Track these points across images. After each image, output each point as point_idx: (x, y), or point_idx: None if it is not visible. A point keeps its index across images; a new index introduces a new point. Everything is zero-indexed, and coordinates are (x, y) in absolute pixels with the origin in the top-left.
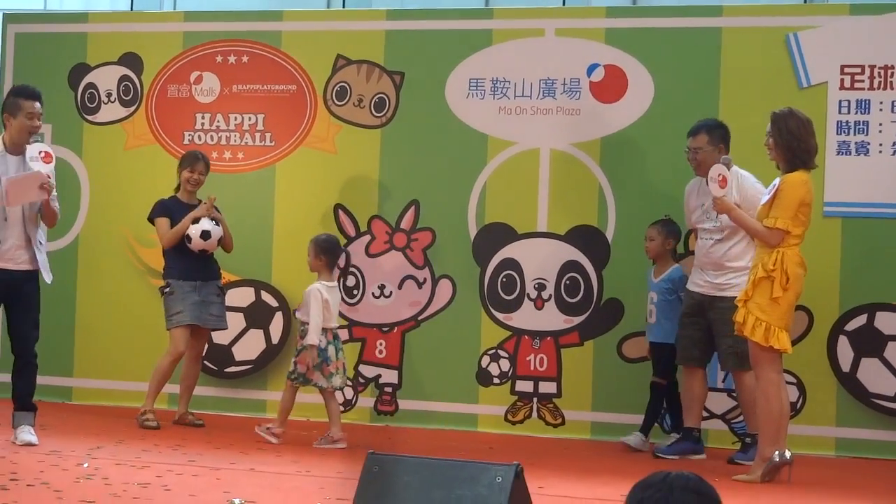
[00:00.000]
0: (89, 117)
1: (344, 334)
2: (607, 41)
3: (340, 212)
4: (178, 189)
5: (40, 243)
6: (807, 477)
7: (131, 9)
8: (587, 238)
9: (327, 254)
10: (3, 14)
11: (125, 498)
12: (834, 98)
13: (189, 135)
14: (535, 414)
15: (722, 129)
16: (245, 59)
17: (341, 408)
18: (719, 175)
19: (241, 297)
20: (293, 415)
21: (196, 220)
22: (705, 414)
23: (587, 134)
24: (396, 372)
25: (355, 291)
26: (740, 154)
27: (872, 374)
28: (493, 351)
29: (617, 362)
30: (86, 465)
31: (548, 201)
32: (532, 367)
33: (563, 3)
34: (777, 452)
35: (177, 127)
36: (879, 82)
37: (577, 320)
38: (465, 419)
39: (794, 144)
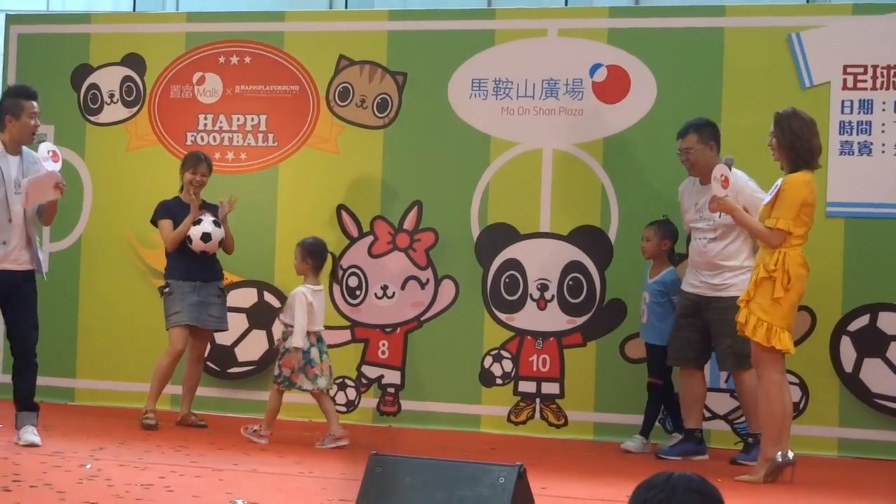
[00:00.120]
0: (92, 118)
1: (346, 335)
2: (610, 41)
3: (343, 212)
4: (182, 190)
5: (39, 242)
6: (809, 477)
7: (134, 10)
8: (590, 238)
9: (313, 257)
10: (6, 15)
11: (128, 499)
12: (837, 98)
13: (192, 136)
14: (537, 414)
15: (710, 127)
16: (247, 59)
17: (344, 408)
18: (722, 175)
19: (243, 297)
20: (295, 415)
21: (197, 222)
22: (707, 414)
23: (590, 134)
24: (399, 373)
25: (358, 292)
26: (743, 154)
27: (875, 375)
28: (496, 351)
29: (620, 363)
30: (88, 466)
31: (550, 202)
32: (535, 368)
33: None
34: (780, 453)
35: (179, 128)
36: (882, 82)
37: (580, 321)
38: (467, 420)
39: (797, 145)
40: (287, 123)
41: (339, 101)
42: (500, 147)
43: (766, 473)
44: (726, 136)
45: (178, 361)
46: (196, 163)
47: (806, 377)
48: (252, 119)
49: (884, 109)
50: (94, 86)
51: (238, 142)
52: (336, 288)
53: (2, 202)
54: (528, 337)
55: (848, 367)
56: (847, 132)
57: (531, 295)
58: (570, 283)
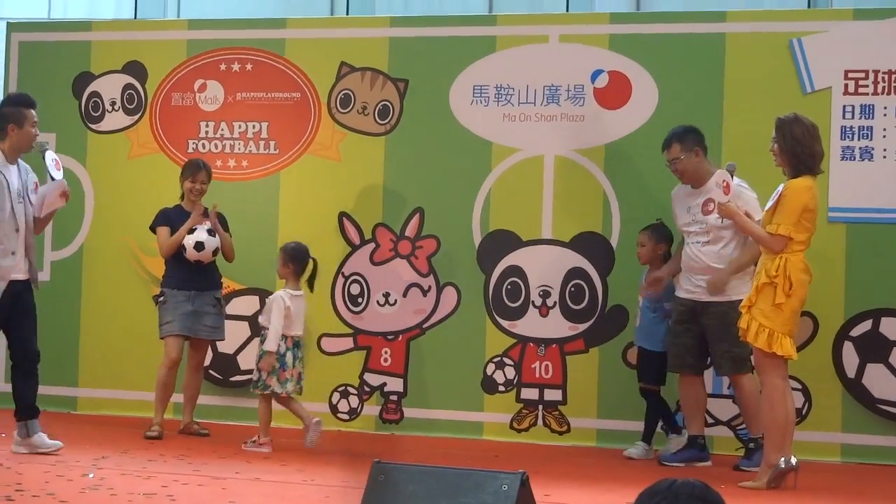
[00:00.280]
0: (93, 126)
1: (349, 342)
2: (611, 47)
3: (345, 219)
4: (182, 198)
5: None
6: (813, 483)
7: (135, 17)
8: (592, 245)
9: (295, 262)
10: (7, 23)
11: None
12: (838, 103)
13: (193, 143)
14: (540, 421)
15: (693, 133)
16: (249, 66)
17: (346, 416)
18: (723, 181)
19: (245, 305)
20: (298, 423)
21: (192, 230)
22: (710, 420)
23: (591, 140)
24: (401, 380)
25: (360, 299)
26: (745, 159)
27: (878, 380)
28: (498, 358)
29: (622, 369)
30: (91, 475)
31: (552, 208)
32: (537, 375)
33: (567, 10)
34: (783, 459)
35: (181, 135)
36: (884, 87)
37: (582, 327)
38: (470, 427)
39: (798, 150)
40: (288, 131)
41: (340, 108)
42: (501, 153)
43: (769, 479)
44: (728, 141)
45: (175, 370)
46: (195, 171)
47: (809, 383)
48: (253, 126)
49: (885, 114)
50: (95, 93)
51: (239, 149)
52: (338, 295)
53: (9, 213)
54: (531, 344)
55: (851, 372)
56: (848, 137)
57: (533, 302)
58: (572, 289)
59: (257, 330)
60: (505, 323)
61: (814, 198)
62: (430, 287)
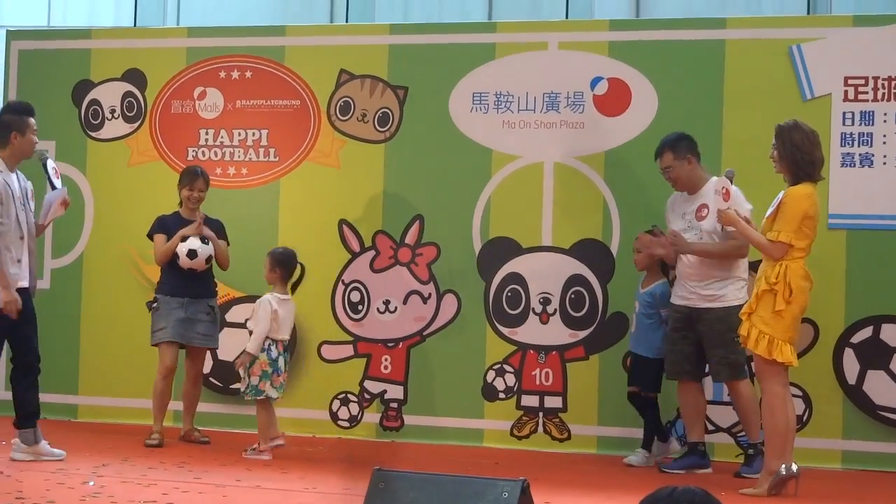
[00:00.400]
0: (93, 134)
1: (349, 350)
2: (611, 54)
3: (345, 227)
4: (181, 205)
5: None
6: (813, 490)
7: (135, 25)
8: (592, 252)
9: (282, 266)
10: (7, 31)
11: None
12: (838, 110)
13: (193, 151)
14: (540, 429)
15: (686, 141)
16: (248, 74)
17: (347, 423)
18: (723, 188)
19: (245, 313)
20: (298, 431)
21: (185, 239)
22: (710, 427)
23: (591, 147)
24: (402, 387)
25: (360, 307)
26: (744, 166)
27: (879, 387)
28: (499, 366)
29: (622, 376)
30: (91, 483)
31: (552, 215)
32: (537, 382)
33: (567, 17)
34: (783, 466)
35: (181, 143)
36: (883, 93)
37: (583, 334)
38: (470, 434)
39: (798, 157)
40: (288, 138)
41: (340, 116)
42: (501, 161)
43: (769, 486)
44: (727, 148)
45: (171, 378)
46: (193, 178)
47: (809, 389)
48: (253, 134)
49: (885, 121)
50: (95, 101)
51: (239, 157)
52: (339, 303)
53: (15, 220)
54: (531, 351)
55: (851, 379)
56: (848, 144)
57: (533, 309)
58: (573, 296)
59: None
60: (505, 330)
61: (814, 205)
62: (430, 294)
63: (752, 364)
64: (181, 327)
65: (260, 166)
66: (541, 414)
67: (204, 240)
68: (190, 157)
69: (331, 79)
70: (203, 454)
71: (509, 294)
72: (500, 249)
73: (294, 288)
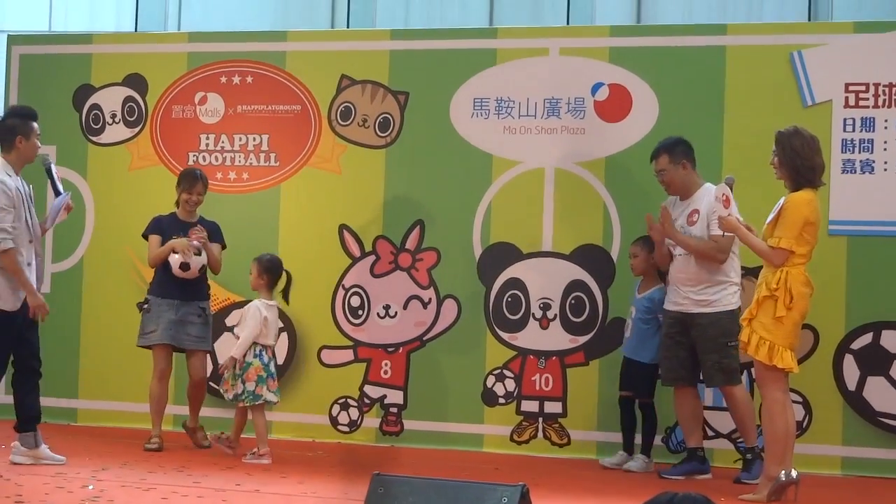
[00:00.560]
0: (94, 138)
1: (349, 355)
2: (611, 60)
3: (345, 232)
4: (178, 206)
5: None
6: (813, 496)
7: (136, 30)
8: (592, 257)
9: (269, 273)
10: (8, 36)
11: None
12: (839, 116)
13: (194, 155)
14: (540, 434)
15: (682, 146)
16: (249, 79)
17: (346, 428)
18: (723, 195)
19: None
20: (298, 435)
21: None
22: (710, 433)
23: (592, 153)
24: (402, 392)
25: (360, 312)
26: (745, 172)
27: (879, 393)
28: (499, 371)
29: None
30: (91, 486)
31: (553, 221)
32: (537, 387)
33: (568, 23)
34: (783, 472)
35: (181, 148)
36: (884, 100)
37: (583, 340)
38: (470, 439)
39: (798, 163)
40: (289, 143)
41: (340, 121)
42: (502, 166)
43: (769, 492)
44: (728, 154)
45: (166, 381)
46: (192, 182)
47: (809, 395)
48: (254, 139)
49: (886, 127)
50: (95, 106)
51: (240, 162)
52: (339, 308)
53: (24, 224)
54: (531, 356)
55: (851, 385)
56: (849, 150)
57: (533, 314)
58: (573, 302)
59: None
60: (505, 335)
61: (815, 211)
62: (430, 299)
63: (752, 369)
64: (173, 329)
65: (260, 171)
66: (541, 419)
67: (197, 251)
68: (191, 162)
69: (332, 84)
70: (203, 458)
71: (509, 299)
72: (501, 255)
73: (286, 295)
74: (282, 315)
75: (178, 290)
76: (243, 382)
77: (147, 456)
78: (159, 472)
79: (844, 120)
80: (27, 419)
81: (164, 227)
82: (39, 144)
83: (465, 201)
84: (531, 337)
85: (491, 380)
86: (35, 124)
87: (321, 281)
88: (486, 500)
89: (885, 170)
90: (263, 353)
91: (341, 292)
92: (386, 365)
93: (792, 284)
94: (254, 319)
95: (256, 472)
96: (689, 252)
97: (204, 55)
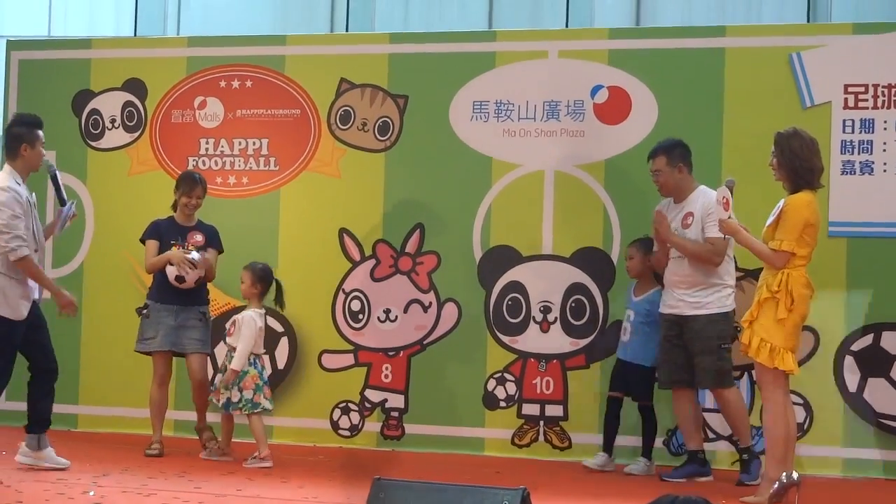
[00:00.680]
0: (93, 143)
1: (350, 359)
2: (611, 63)
3: (345, 236)
4: (174, 208)
5: None
6: (814, 498)
7: (135, 34)
8: (592, 260)
9: (262, 282)
10: (7, 41)
11: None
12: (838, 117)
13: (193, 160)
14: (541, 437)
15: (680, 148)
16: (249, 83)
17: (347, 433)
18: (724, 198)
19: None
20: (299, 440)
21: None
22: (711, 436)
23: (591, 156)
24: (402, 396)
25: (360, 316)
26: (744, 174)
27: (879, 394)
28: (499, 374)
29: None
30: (92, 493)
31: (553, 223)
32: (538, 391)
33: (567, 25)
34: (784, 474)
35: (181, 152)
36: (883, 101)
37: (583, 343)
38: (471, 443)
39: (797, 165)
40: (288, 147)
41: (340, 125)
42: (501, 169)
43: (771, 495)
44: (727, 156)
45: (166, 387)
46: (192, 185)
47: (810, 397)
48: (253, 143)
49: (885, 128)
50: (95, 111)
51: (240, 166)
52: (339, 312)
53: (31, 233)
54: (532, 359)
55: (852, 386)
56: (848, 151)
57: (534, 317)
58: (573, 305)
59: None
60: (506, 338)
61: (814, 213)
62: (430, 303)
63: (753, 371)
64: (173, 335)
65: (260, 175)
66: (542, 422)
67: (192, 263)
68: (190, 167)
69: (331, 88)
70: (203, 464)
71: (510, 302)
72: (501, 258)
73: (281, 302)
74: (282, 320)
75: (178, 296)
76: (240, 391)
77: (148, 461)
78: (160, 477)
79: (844, 121)
80: (36, 422)
81: (163, 232)
82: (44, 152)
83: (464, 204)
84: (532, 340)
85: (492, 383)
86: (40, 132)
87: (321, 285)
88: (487, 503)
89: (885, 171)
90: (257, 361)
91: (342, 296)
92: (387, 369)
93: (793, 286)
94: (249, 329)
95: (257, 477)
96: (684, 255)
97: (203, 59)
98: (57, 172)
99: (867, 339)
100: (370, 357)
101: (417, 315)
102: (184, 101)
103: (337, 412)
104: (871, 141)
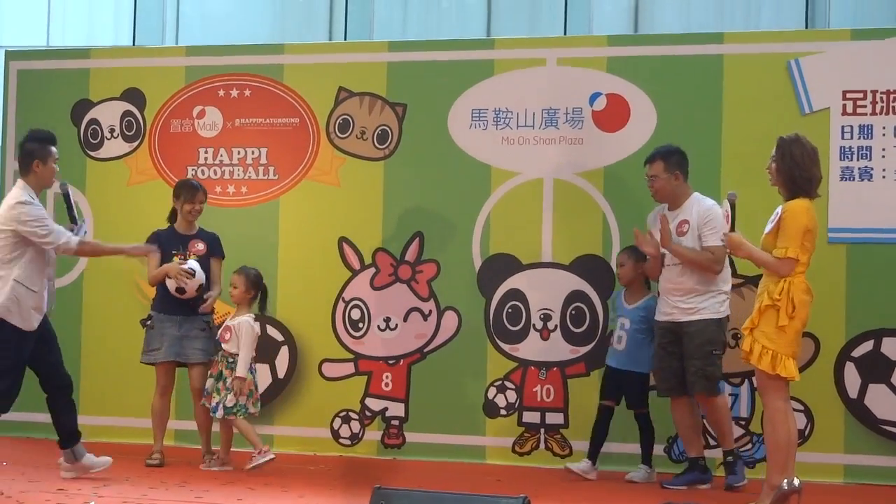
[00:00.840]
0: (92, 153)
1: (350, 368)
2: (609, 70)
3: (345, 245)
4: (171, 218)
5: None
6: None
7: (133, 44)
8: (592, 267)
9: (256, 288)
10: (6, 51)
11: None
12: (836, 124)
13: (192, 169)
14: (542, 445)
15: (678, 156)
16: (247, 92)
17: (348, 441)
18: (725, 212)
19: None
20: (299, 449)
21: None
22: (712, 443)
23: (590, 163)
24: (403, 405)
25: (361, 324)
26: (741, 181)
27: (880, 400)
28: (500, 382)
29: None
30: (92, 503)
31: (552, 231)
32: (539, 398)
33: (565, 33)
34: (785, 480)
35: (180, 162)
36: (882, 107)
37: (583, 350)
38: (472, 451)
39: (795, 172)
40: (287, 156)
41: (339, 133)
42: (500, 177)
43: (772, 501)
44: (726, 163)
45: (168, 397)
46: (193, 192)
47: (811, 404)
48: (252, 152)
49: (884, 134)
50: (94, 121)
51: (239, 175)
52: (339, 321)
53: (40, 250)
54: (532, 367)
55: (853, 393)
56: (847, 158)
57: (534, 325)
58: (573, 312)
59: (258, 355)
60: (506, 346)
61: (812, 219)
62: (430, 311)
63: (754, 378)
64: (177, 346)
65: (259, 184)
66: (542, 430)
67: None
68: (189, 176)
69: (330, 96)
70: (204, 474)
71: (510, 310)
72: (501, 266)
73: (264, 307)
74: (282, 328)
75: (181, 306)
76: (236, 396)
77: (149, 471)
78: (161, 487)
79: (842, 127)
80: (66, 437)
81: (163, 242)
82: (57, 168)
83: (464, 212)
84: (532, 348)
85: (492, 391)
86: (53, 149)
87: (321, 294)
88: None
89: (884, 177)
90: (253, 367)
91: (341, 305)
92: (387, 377)
93: (794, 293)
94: (248, 336)
95: (258, 486)
96: (683, 263)
97: (202, 69)
98: (70, 192)
99: (868, 345)
100: (370, 366)
101: (417, 323)
102: (182, 110)
103: (337, 421)
104: (870, 147)
